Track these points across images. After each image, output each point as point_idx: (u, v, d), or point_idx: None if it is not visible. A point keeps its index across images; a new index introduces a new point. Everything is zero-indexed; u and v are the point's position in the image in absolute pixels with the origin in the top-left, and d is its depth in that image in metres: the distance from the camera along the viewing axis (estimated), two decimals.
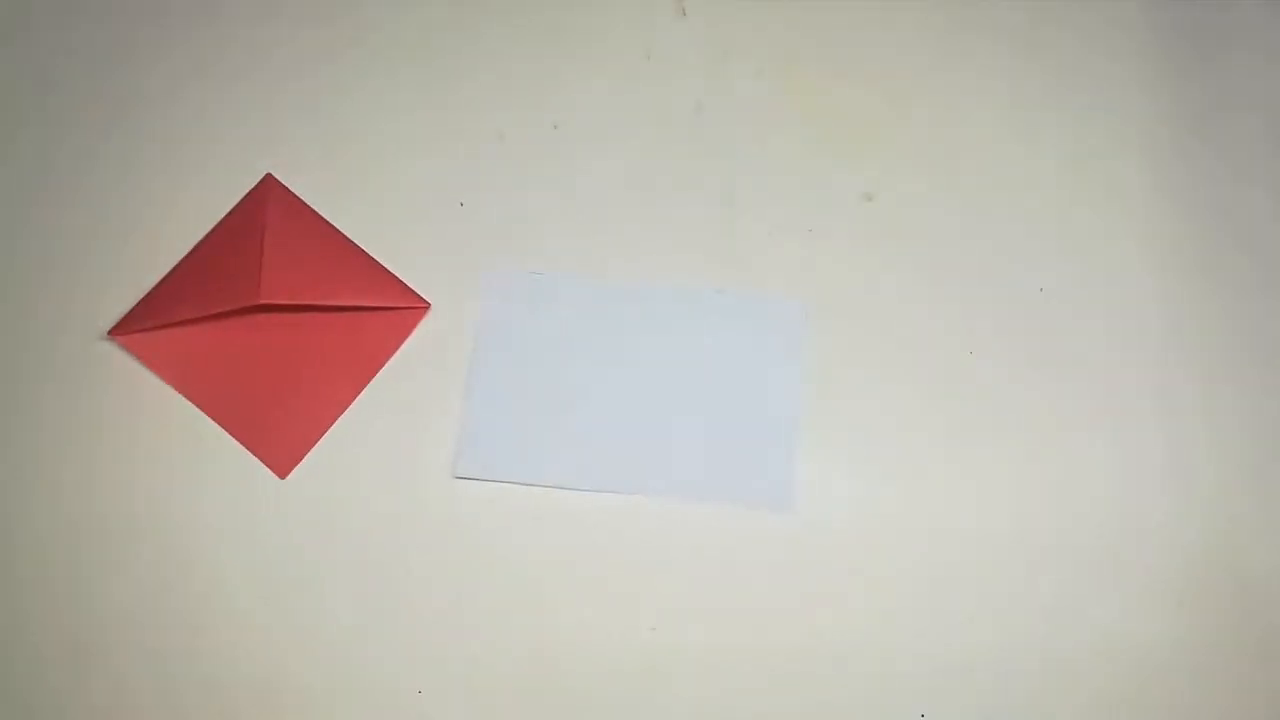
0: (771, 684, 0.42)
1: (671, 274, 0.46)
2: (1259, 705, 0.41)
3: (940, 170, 0.47)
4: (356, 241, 0.46)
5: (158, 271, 0.46)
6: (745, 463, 0.44)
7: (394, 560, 0.43)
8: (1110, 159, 0.47)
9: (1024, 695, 0.41)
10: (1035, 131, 0.47)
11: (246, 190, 0.46)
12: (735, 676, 0.42)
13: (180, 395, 0.45)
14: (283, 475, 0.45)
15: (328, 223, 0.46)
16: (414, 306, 0.46)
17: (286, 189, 0.47)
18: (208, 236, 0.46)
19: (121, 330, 0.45)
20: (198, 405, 0.45)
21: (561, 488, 0.43)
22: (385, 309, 0.46)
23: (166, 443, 0.45)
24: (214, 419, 0.45)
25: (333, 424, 0.45)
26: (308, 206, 0.46)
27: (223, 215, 0.46)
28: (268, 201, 0.46)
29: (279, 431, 0.45)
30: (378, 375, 0.45)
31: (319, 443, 0.45)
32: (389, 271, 0.46)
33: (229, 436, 0.45)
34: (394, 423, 0.45)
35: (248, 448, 0.45)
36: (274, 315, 0.45)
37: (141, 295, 0.45)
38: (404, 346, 0.46)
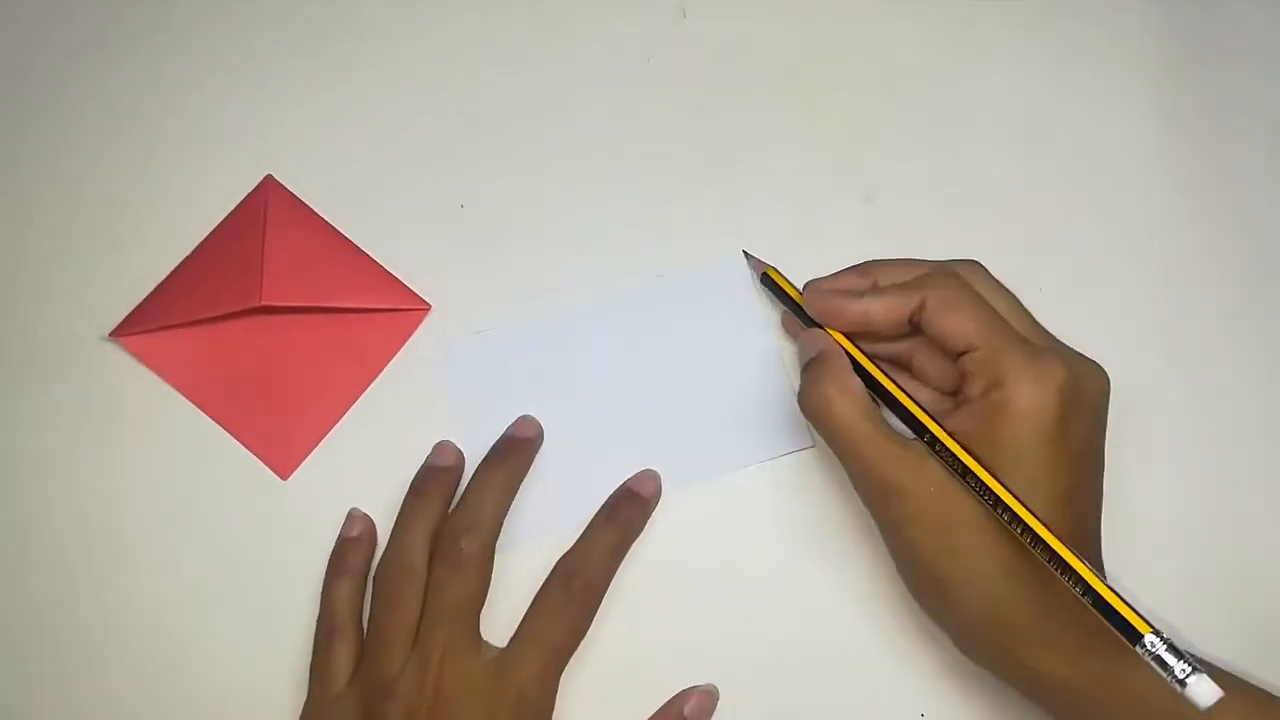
0: (770, 682, 0.42)
1: (670, 272, 0.46)
2: None
3: (940, 171, 0.47)
4: (357, 243, 0.46)
5: (158, 273, 0.46)
6: (752, 420, 0.44)
7: None
8: (1112, 159, 0.47)
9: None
10: (1036, 132, 0.47)
11: (247, 192, 0.47)
12: (734, 675, 0.42)
13: (182, 396, 0.45)
14: (284, 476, 0.45)
15: (328, 224, 0.46)
16: (415, 308, 0.46)
17: (287, 190, 0.47)
18: (208, 238, 0.46)
19: (123, 331, 0.45)
20: (199, 406, 0.45)
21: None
22: (386, 310, 0.46)
23: (168, 444, 0.45)
24: (215, 420, 0.45)
25: (335, 425, 0.45)
26: (308, 208, 0.47)
27: (223, 217, 0.46)
28: (268, 203, 0.46)
29: (281, 432, 0.45)
30: (379, 376, 0.45)
31: (321, 444, 0.45)
32: (390, 273, 0.46)
33: (230, 437, 0.45)
34: (395, 423, 0.45)
35: (249, 449, 0.45)
36: (275, 317, 0.45)
37: (142, 297, 0.46)
38: (405, 347, 0.46)
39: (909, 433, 0.38)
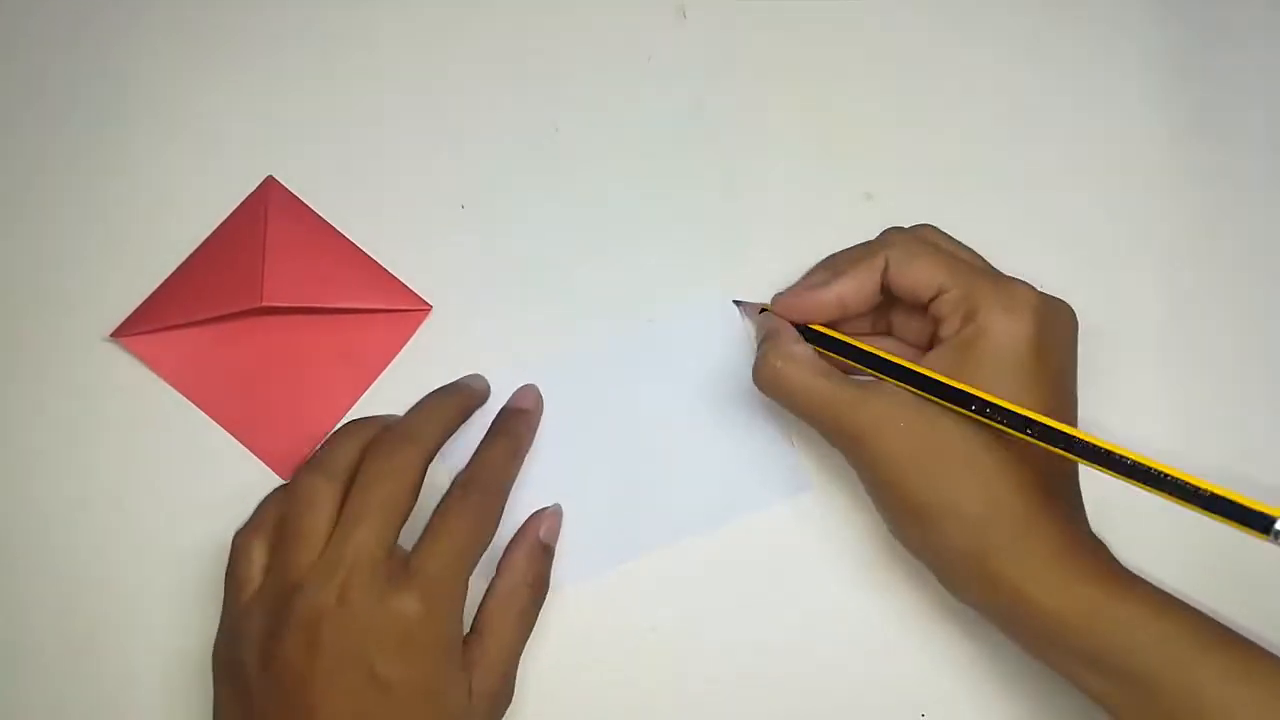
0: (771, 682, 0.42)
1: (671, 274, 0.46)
2: None
3: (940, 169, 0.47)
4: (358, 244, 0.46)
5: (159, 274, 0.46)
6: (750, 467, 0.44)
7: None
8: (1112, 158, 0.47)
9: (1025, 695, 0.41)
10: (1036, 130, 0.47)
11: (248, 193, 0.47)
12: (734, 675, 0.42)
13: (183, 396, 0.45)
14: (285, 476, 0.45)
15: (329, 225, 0.47)
16: (415, 309, 0.46)
17: (288, 191, 0.47)
18: (209, 239, 0.46)
19: (124, 332, 0.45)
20: (200, 406, 0.45)
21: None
22: (387, 311, 0.46)
23: (169, 444, 0.45)
24: (216, 420, 0.45)
25: (335, 425, 0.45)
26: (309, 209, 0.47)
27: (224, 218, 0.46)
28: (269, 204, 0.46)
29: (282, 433, 0.45)
30: (380, 377, 0.46)
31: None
32: (390, 274, 0.46)
33: (231, 437, 0.45)
34: None
35: (250, 449, 0.45)
36: (276, 317, 0.45)
37: (143, 297, 0.46)
38: (405, 348, 0.46)
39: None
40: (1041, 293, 0.38)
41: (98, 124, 0.48)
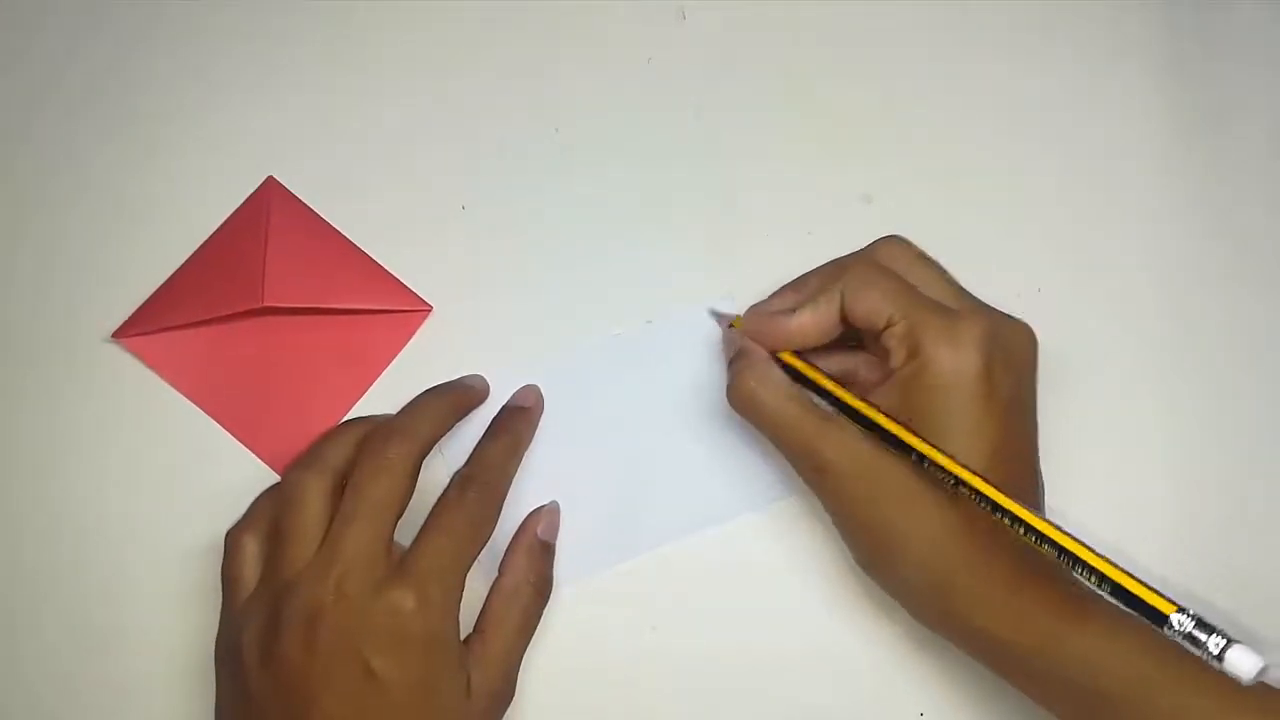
0: (770, 682, 0.42)
1: (670, 275, 0.46)
2: None
3: (940, 171, 0.47)
4: (359, 244, 0.47)
5: (160, 274, 0.46)
6: (733, 471, 0.44)
7: None
8: (1110, 160, 0.47)
9: (1023, 695, 0.41)
10: (1035, 133, 0.47)
11: (249, 193, 0.47)
12: (734, 674, 0.43)
13: (184, 397, 0.45)
14: None
15: (330, 225, 0.47)
16: (416, 309, 0.46)
17: (288, 192, 0.47)
18: (210, 239, 0.46)
19: (125, 332, 0.45)
20: (201, 407, 0.45)
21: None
22: (387, 311, 0.46)
23: (169, 444, 0.45)
24: (217, 420, 0.45)
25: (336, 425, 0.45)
26: (310, 209, 0.47)
27: (225, 218, 0.47)
28: (270, 204, 0.46)
29: (282, 433, 0.45)
30: (380, 377, 0.46)
31: None
32: (391, 274, 0.46)
33: (232, 438, 0.45)
34: None
35: (251, 449, 0.45)
36: (277, 317, 0.46)
37: (144, 298, 0.46)
38: (406, 349, 0.46)
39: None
40: (994, 319, 0.38)
41: (98, 126, 0.48)
